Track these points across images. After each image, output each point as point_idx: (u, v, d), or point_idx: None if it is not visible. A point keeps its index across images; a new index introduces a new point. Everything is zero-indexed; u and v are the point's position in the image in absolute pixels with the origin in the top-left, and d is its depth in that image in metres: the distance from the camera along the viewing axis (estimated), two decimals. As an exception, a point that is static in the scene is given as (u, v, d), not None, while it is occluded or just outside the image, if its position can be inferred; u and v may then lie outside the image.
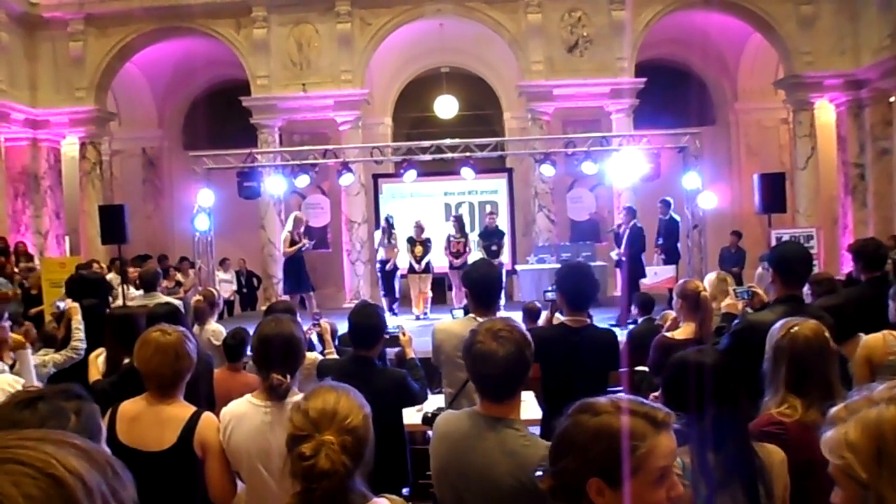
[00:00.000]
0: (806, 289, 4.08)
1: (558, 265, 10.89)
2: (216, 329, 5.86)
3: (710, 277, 4.80)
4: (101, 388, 3.81)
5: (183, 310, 5.16)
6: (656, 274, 10.74)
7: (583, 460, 1.39)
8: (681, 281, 4.88)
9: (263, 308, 8.23)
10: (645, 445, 1.38)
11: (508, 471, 2.18)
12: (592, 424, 1.41)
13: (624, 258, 10.51)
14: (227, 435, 2.70)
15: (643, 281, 10.30)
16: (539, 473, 1.54)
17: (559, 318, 3.97)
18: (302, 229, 10.86)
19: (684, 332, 4.29)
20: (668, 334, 4.41)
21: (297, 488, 1.78)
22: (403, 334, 4.01)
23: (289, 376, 2.68)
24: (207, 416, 2.77)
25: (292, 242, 10.58)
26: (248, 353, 5.10)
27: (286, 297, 10.60)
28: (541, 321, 5.44)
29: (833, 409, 1.22)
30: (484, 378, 2.25)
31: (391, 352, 5.17)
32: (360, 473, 1.80)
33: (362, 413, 1.85)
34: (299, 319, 3.37)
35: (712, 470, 2.17)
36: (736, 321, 3.67)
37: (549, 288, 4.29)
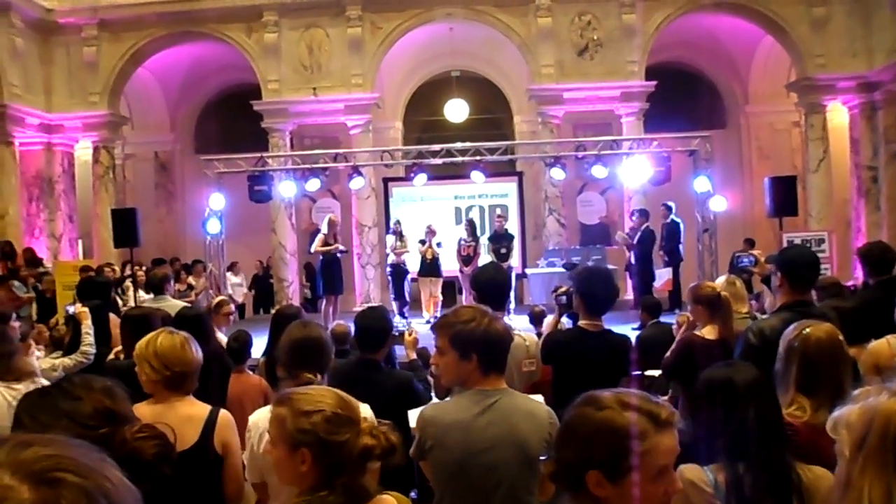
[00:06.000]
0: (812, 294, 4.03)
1: (564, 269, 10.92)
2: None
3: (720, 281, 4.78)
4: (115, 367, 3.84)
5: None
6: (660, 277, 10.71)
7: (583, 453, 1.42)
8: (691, 285, 4.84)
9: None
10: (646, 443, 1.39)
11: (531, 430, 2.32)
12: (595, 419, 1.44)
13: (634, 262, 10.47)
14: (262, 444, 2.60)
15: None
16: (543, 458, 1.58)
17: (564, 322, 3.95)
18: (337, 230, 10.86)
19: (709, 332, 4.14)
20: (698, 332, 4.26)
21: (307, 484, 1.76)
22: (409, 334, 4.00)
23: (318, 376, 2.80)
24: (225, 413, 2.76)
25: (325, 244, 10.55)
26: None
27: (293, 301, 10.59)
28: (546, 323, 5.40)
29: (856, 391, 1.23)
30: (500, 350, 2.42)
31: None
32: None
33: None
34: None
35: (745, 488, 2.08)
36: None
37: (560, 288, 4.21)
